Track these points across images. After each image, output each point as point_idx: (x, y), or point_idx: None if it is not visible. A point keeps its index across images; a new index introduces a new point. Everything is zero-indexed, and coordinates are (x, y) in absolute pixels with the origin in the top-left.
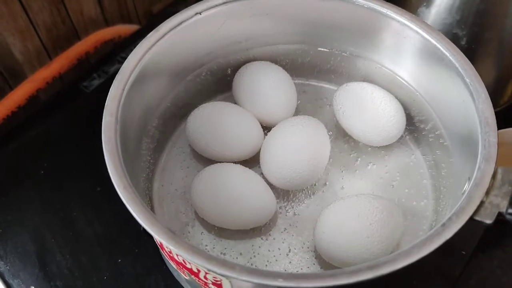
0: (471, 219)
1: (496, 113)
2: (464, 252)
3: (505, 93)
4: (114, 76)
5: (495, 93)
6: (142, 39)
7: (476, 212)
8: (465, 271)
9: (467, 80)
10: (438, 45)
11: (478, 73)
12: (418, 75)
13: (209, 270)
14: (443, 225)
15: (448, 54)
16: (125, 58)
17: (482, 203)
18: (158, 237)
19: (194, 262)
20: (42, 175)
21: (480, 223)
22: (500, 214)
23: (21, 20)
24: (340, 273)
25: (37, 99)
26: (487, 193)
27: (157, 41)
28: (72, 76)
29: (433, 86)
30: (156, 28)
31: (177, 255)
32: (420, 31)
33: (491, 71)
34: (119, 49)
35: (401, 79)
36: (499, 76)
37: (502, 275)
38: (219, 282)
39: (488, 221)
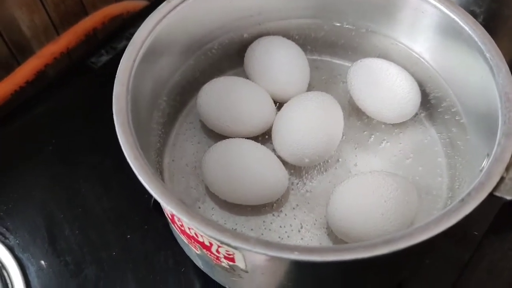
0: (491, 195)
1: None
2: (476, 233)
3: None
4: (122, 53)
5: None
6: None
7: (496, 187)
8: (477, 252)
9: (487, 55)
10: (456, 19)
11: None
12: (435, 51)
13: (222, 243)
14: (462, 200)
15: (467, 28)
16: (133, 35)
17: (502, 179)
18: (170, 209)
19: (207, 234)
20: (50, 151)
21: (499, 199)
22: None
23: None
24: (356, 247)
25: (45, 74)
26: (507, 169)
27: (168, 13)
28: (80, 52)
29: (451, 62)
30: (168, 0)
31: (189, 228)
32: (438, 5)
33: (509, 50)
34: (128, 25)
35: (417, 55)
36: None
37: None
38: (231, 256)
39: (509, 197)
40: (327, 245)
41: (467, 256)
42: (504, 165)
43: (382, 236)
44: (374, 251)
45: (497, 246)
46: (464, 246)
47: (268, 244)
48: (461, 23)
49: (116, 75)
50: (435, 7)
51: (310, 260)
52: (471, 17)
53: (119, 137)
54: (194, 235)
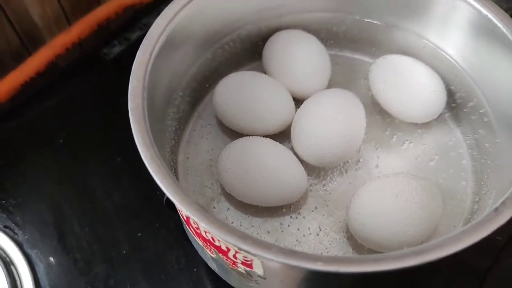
0: None
1: None
2: (499, 238)
3: None
4: (136, 43)
5: None
6: (165, 5)
7: None
8: (498, 259)
9: None
10: (490, 16)
11: None
12: (465, 49)
13: (241, 249)
14: (496, 210)
15: (501, 26)
16: (146, 25)
17: None
18: (188, 213)
19: (226, 241)
20: (61, 144)
21: None
22: None
23: None
24: (383, 258)
25: (56, 65)
26: None
27: (187, 4)
28: (92, 42)
29: (481, 61)
30: None
31: (205, 232)
32: (471, 1)
33: None
34: (141, 15)
35: (444, 53)
36: None
37: None
38: (249, 262)
39: None
40: (356, 256)
41: (489, 262)
42: None
43: (407, 246)
44: (403, 263)
45: None
46: (486, 252)
47: (290, 253)
48: (495, 20)
49: (132, 70)
50: (468, 3)
51: (335, 271)
52: (506, 14)
53: (135, 136)
54: (211, 239)
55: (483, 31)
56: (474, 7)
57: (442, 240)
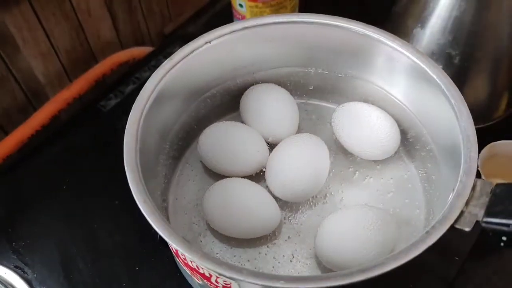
0: (452, 227)
1: (489, 127)
2: (457, 258)
3: (498, 108)
4: (129, 96)
5: (488, 108)
6: (155, 60)
7: (456, 220)
8: (461, 276)
9: (452, 101)
10: (426, 68)
11: (472, 89)
12: (409, 94)
13: (219, 274)
14: (427, 232)
15: (435, 77)
16: (139, 79)
17: (462, 212)
18: (175, 246)
19: (206, 267)
20: (65, 189)
21: (460, 230)
22: (477, 223)
23: (44, 44)
24: (334, 276)
25: (58, 118)
26: (467, 203)
27: (171, 68)
28: (90, 96)
29: (423, 105)
30: (170, 57)
31: (191, 261)
32: (410, 55)
33: (484, 87)
34: (134, 70)
35: (394, 98)
36: (492, 92)
37: (497, 280)
38: (228, 285)
39: (467, 228)
40: (312, 275)
41: (449, 280)
42: (464, 200)
43: (358, 266)
44: (351, 279)
45: (480, 270)
46: (446, 270)
47: (258, 274)
48: (429, 72)
49: (126, 127)
50: (407, 57)
51: None
52: (438, 67)
53: (130, 184)
54: (196, 267)
55: (422, 81)
56: (412, 60)
57: (384, 259)
